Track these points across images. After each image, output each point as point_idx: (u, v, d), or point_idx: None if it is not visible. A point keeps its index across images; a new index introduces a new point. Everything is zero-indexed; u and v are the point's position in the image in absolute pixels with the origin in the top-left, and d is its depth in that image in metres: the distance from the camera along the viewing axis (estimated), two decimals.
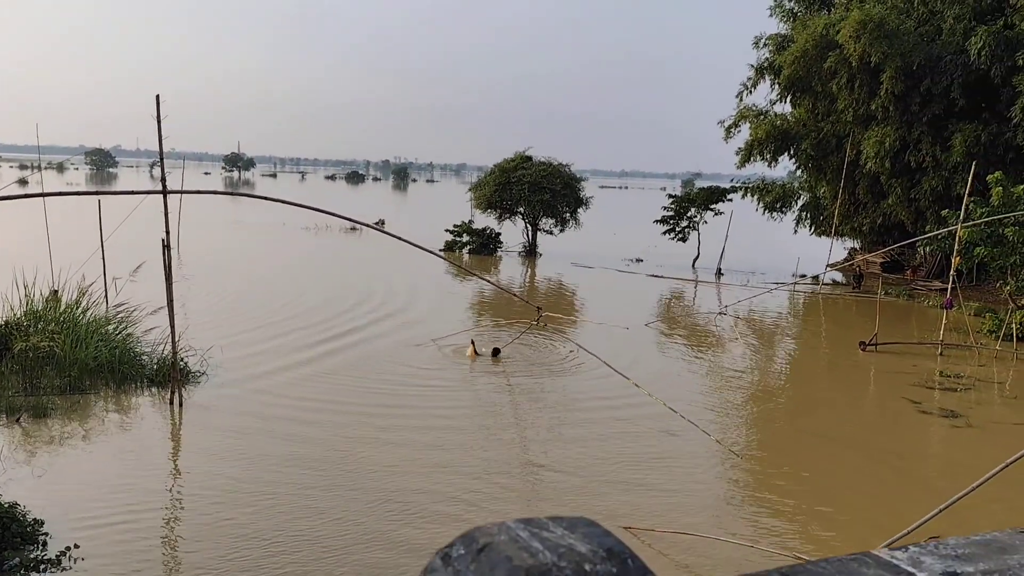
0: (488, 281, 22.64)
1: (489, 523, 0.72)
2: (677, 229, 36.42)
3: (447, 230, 37.58)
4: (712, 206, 35.87)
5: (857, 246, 37.25)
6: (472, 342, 16.59)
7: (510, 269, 33.31)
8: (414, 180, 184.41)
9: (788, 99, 34.53)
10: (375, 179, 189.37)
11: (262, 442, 11.11)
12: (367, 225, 16.63)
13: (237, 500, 9.17)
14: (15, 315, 14.69)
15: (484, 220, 38.60)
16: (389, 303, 22.33)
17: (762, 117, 35.54)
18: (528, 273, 32.76)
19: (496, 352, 16.37)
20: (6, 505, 7.83)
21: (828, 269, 32.43)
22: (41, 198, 15.13)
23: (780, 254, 36.77)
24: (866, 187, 32.10)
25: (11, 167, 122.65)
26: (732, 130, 36.24)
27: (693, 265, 34.78)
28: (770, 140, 34.51)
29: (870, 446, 12.35)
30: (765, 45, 35.25)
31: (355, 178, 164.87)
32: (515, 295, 17.43)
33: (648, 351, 18.42)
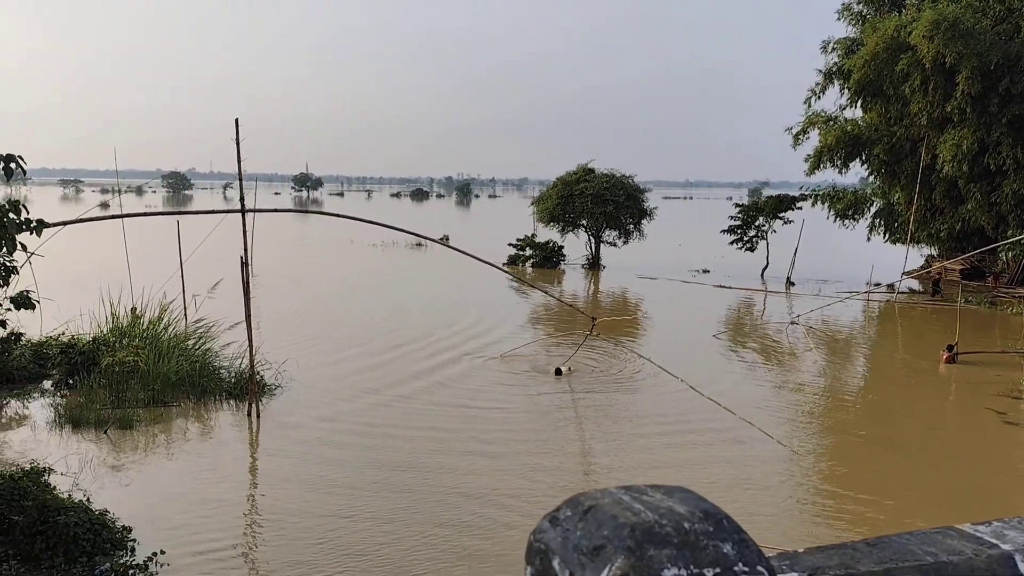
0: (545, 292, 22.65)
1: (592, 489, 0.77)
2: (745, 239, 35.84)
3: (510, 244, 37.78)
4: (781, 215, 35.21)
5: (934, 253, 36.04)
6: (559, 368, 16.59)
7: (573, 282, 33.27)
8: (476, 196, 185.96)
9: (858, 103, 33.69)
10: (439, 196, 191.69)
11: (337, 454, 11.35)
12: (432, 240, 16.92)
13: (314, 511, 9.38)
14: (102, 332, 15.38)
15: (547, 233, 38.68)
16: (454, 317, 22.56)
17: (831, 123, 34.76)
18: (591, 286, 32.66)
19: (559, 372, 16.36)
20: (97, 512, 8.19)
21: (904, 277, 31.45)
22: (121, 219, 15.83)
23: (853, 263, 35.84)
24: (943, 192, 31.06)
25: (93, 191, 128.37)
26: (800, 137, 35.54)
27: (762, 275, 34.16)
28: (840, 146, 33.71)
29: (953, 459, 11.92)
30: (833, 49, 34.53)
31: (419, 195, 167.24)
32: (571, 305, 17.39)
33: (716, 363, 18.16)
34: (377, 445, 11.72)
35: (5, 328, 14.69)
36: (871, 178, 36.87)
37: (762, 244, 35.43)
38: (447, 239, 42.85)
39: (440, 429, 12.52)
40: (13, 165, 7.46)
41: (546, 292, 22.83)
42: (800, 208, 35.66)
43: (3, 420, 12.89)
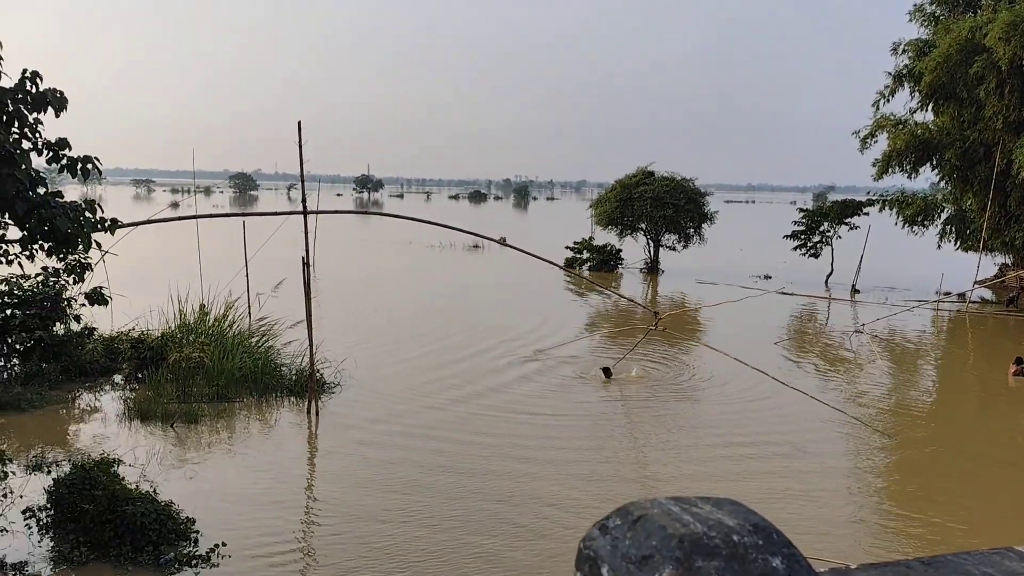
0: (606, 290, 22.55)
1: (642, 499, 0.78)
2: (809, 244, 35.12)
3: (567, 247, 37.72)
4: (847, 220, 34.39)
5: (1009, 261, 34.72)
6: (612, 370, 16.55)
7: (631, 286, 33.04)
8: (534, 198, 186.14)
9: (930, 107, 32.70)
10: (496, 198, 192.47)
11: (394, 455, 11.50)
12: (491, 239, 17.04)
13: (371, 508, 9.52)
14: (170, 328, 15.88)
15: (605, 237, 38.51)
16: (511, 318, 22.62)
17: (901, 126, 33.78)
18: (650, 290, 32.39)
19: (607, 372, 16.26)
20: (163, 503, 8.45)
21: (976, 286, 30.37)
22: (193, 219, 16.32)
23: (922, 270, 34.79)
24: (1018, 198, 29.91)
25: (164, 191, 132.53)
26: (868, 141, 34.63)
27: (826, 282, 33.40)
28: (910, 150, 32.73)
29: (1022, 477, 11.48)
30: (904, 51, 33.58)
31: (477, 197, 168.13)
32: (634, 301, 17.23)
33: (777, 371, 17.81)
34: (432, 448, 11.82)
35: (79, 323, 15.33)
36: (942, 183, 35.69)
37: (827, 250, 34.66)
38: (504, 241, 43.05)
39: (494, 434, 12.56)
40: (90, 166, 7.75)
41: (606, 289, 22.70)
42: (867, 214, 34.77)
43: (76, 412, 13.41)
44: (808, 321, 26.03)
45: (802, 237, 35.29)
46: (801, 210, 36.74)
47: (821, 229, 34.90)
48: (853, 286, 31.86)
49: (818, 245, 34.90)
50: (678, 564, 0.68)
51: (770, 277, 34.98)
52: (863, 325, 23.28)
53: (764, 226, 65.27)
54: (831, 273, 33.70)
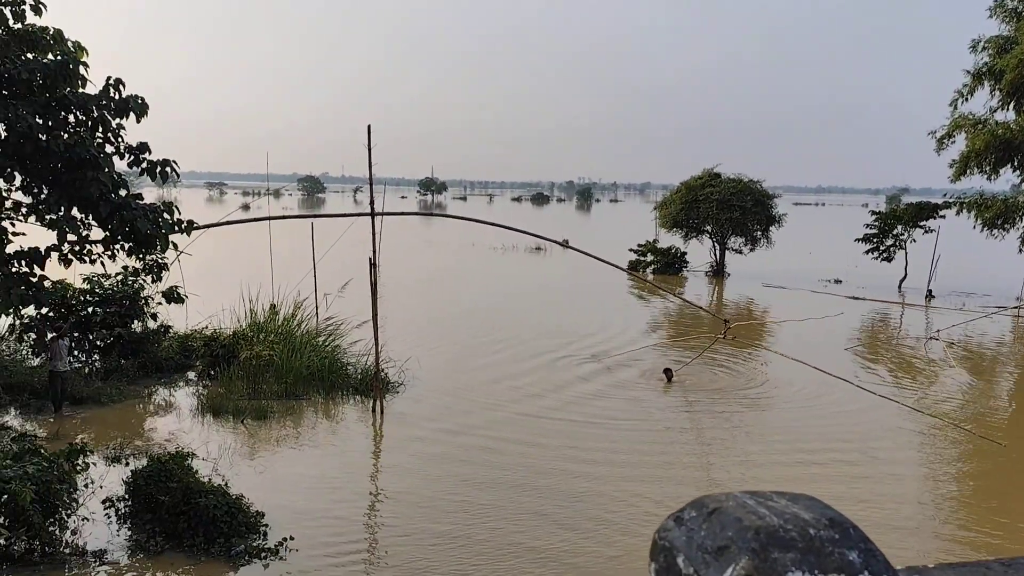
0: (672, 293, 22.28)
1: (716, 492, 0.78)
2: (881, 248, 34.10)
3: (631, 249, 37.44)
4: (922, 223, 33.28)
5: None
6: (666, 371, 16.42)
7: (696, 289, 32.59)
8: (597, 200, 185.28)
9: (1011, 105, 31.39)
10: (559, 200, 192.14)
11: (457, 452, 11.60)
12: (553, 241, 17.05)
13: (435, 506, 9.63)
14: (241, 327, 16.33)
15: (669, 239, 38.10)
16: (573, 320, 22.57)
17: (980, 126, 32.49)
18: (715, 293, 31.89)
19: (669, 373, 16.11)
20: (234, 497, 8.70)
21: None
22: (265, 220, 16.75)
23: (1002, 275, 33.43)
24: None
25: (236, 193, 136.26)
26: (945, 141, 33.40)
27: (899, 286, 32.40)
28: (990, 151, 31.46)
29: None
30: (984, 48, 32.31)
31: (540, 199, 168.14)
32: (701, 308, 16.96)
33: (849, 377, 17.34)
34: (494, 449, 11.89)
35: (156, 320, 15.91)
36: None
37: (900, 254, 33.60)
38: (567, 243, 42.96)
39: (556, 436, 12.56)
40: (168, 169, 8.05)
41: (672, 293, 22.43)
42: (943, 216, 33.58)
43: (152, 406, 13.90)
44: (881, 327, 25.29)
45: (874, 240, 34.29)
46: (873, 213, 35.70)
47: (895, 232, 33.85)
48: (928, 291, 30.83)
49: (891, 249, 33.86)
50: (754, 555, 0.68)
51: (840, 281, 34.10)
52: (939, 331, 22.51)
53: (834, 229, 63.70)
54: (905, 278, 32.67)
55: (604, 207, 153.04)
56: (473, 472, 10.79)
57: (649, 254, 37.15)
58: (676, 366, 16.79)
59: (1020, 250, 34.69)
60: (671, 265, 36.33)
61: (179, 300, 15.05)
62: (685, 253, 36.94)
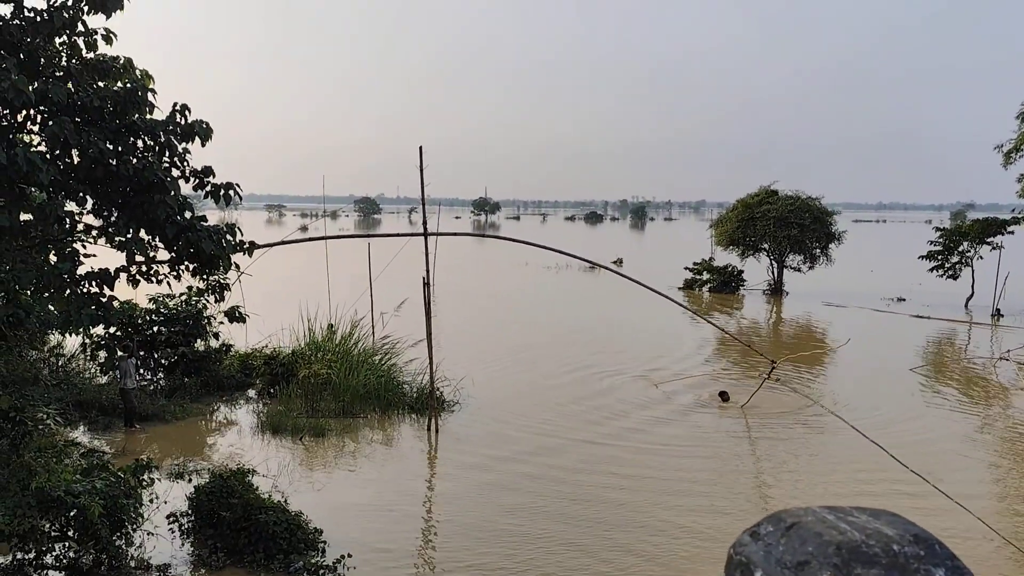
0: (719, 327, 21.88)
1: (794, 507, 0.76)
2: (947, 265, 33.10)
3: (686, 268, 37.05)
4: (989, 239, 32.21)
5: None
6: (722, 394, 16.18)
7: (753, 309, 32.04)
8: (652, 219, 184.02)
9: None
10: (613, 219, 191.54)
11: (511, 474, 11.56)
12: (600, 265, 17.00)
13: (491, 529, 9.59)
14: (300, 346, 16.61)
15: (725, 257, 37.59)
16: (627, 343, 22.39)
17: None
18: (773, 312, 31.31)
19: (724, 396, 15.89)
20: (293, 513, 8.80)
21: None
22: (322, 240, 17.04)
23: None
24: None
25: (294, 215, 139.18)
26: (1013, 155, 32.36)
27: (966, 305, 31.36)
28: None
29: None
30: None
31: (593, 218, 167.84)
32: (748, 345, 16.59)
33: (911, 401, 16.83)
34: (548, 471, 11.82)
35: (218, 339, 16.29)
36: None
37: (966, 271, 32.56)
38: (620, 263, 42.68)
39: (610, 460, 12.42)
40: (232, 192, 8.25)
41: (720, 328, 22.00)
42: (1012, 232, 32.43)
43: (214, 424, 14.20)
44: (947, 346, 24.49)
45: (939, 258, 33.30)
46: (937, 229, 34.71)
47: (960, 249, 32.83)
48: (996, 309, 29.79)
49: (957, 266, 32.84)
50: (836, 571, 0.66)
51: (904, 300, 33.19)
52: (1009, 351, 21.69)
53: (897, 246, 62.06)
54: (971, 296, 31.64)
55: (658, 225, 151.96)
56: (526, 494, 10.73)
57: (705, 272, 36.71)
58: (732, 385, 16.49)
59: None
60: (728, 284, 35.83)
61: (240, 319, 15.33)
62: (742, 271, 36.40)
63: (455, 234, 18.70)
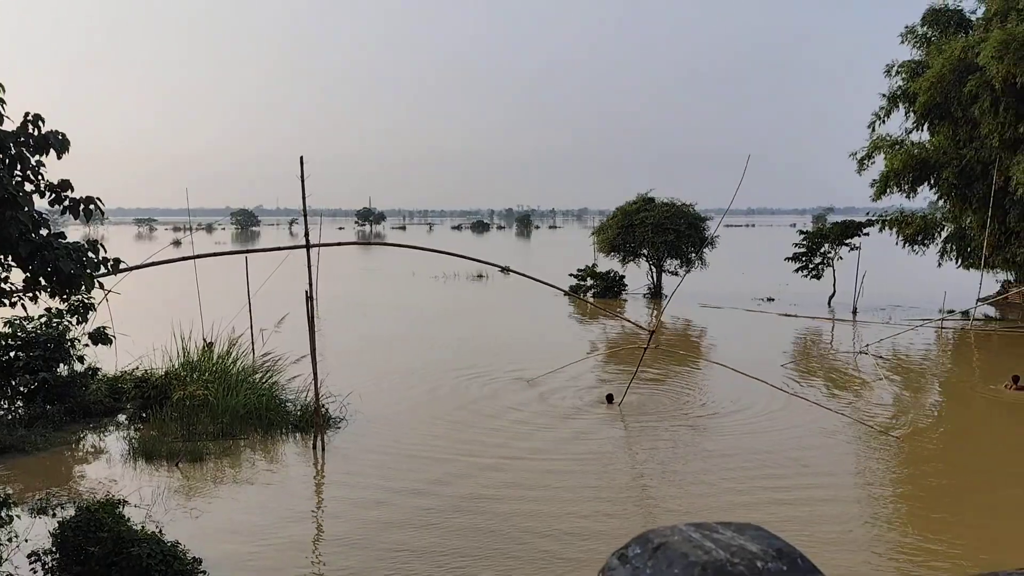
0: (606, 311, 22.51)
1: (660, 526, 0.76)
2: (810, 266, 35.13)
3: (571, 275, 37.76)
4: (847, 241, 34.44)
5: (1011, 278, 34.68)
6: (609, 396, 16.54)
7: (635, 312, 32.98)
8: (537, 227, 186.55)
9: (925, 127, 32.89)
10: (499, 227, 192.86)
11: (401, 489, 11.40)
12: (495, 265, 17.13)
13: (380, 546, 9.42)
14: (173, 366, 15.84)
15: (607, 263, 38.56)
16: (516, 349, 22.56)
17: (897, 147, 33.94)
18: (654, 315, 32.33)
19: (610, 399, 16.27)
20: (169, 544, 8.36)
21: (979, 303, 30.32)
22: (193, 260, 16.34)
23: (924, 289, 34.74)
24: (1018, 215, 29.93)
25: (166, 229, 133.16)
26: (866, 162, 34.77)
27: (829, 303, 33.36)
28: (907, 170, 32.86)
29: None
30: (898, 72, 33.84)
31: (480, 227, 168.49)
32: (628, 320, 17.13)
33: (780, 395, 17.70)
34: (438, 482, 11.73)
35: (83, 363, 15.32)
36: (941, 202, 35.77)
37: (828, 271, 34.66)
38: (508, 269, 43.03)
39: (497, 468, 12.46)
40: (92, 207, 7.78)
41: (606, 310, 22.63)
42: (867, 234, 34.82)
43: (80, 453, 13.34)
44: (813, 343, 25.95)
45: (803, 259, 35.32)
46: (801, 232, 36.80)
47: (822, 251, 34.94)
48: (854, 307, 31.84)
49: (819, 266, 34.92)
50: None
51: (773, 299, 34.94)
52: (868, 345, 23.20)
53: (765, 249, 65.34)
54: (833, 294, 33.67)
55: (544, 233, 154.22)
56: (416, 509, 10.60)
57: (589, 278, 37.52)
58: (617, 390, 16.88)
59: (939, 264, 36.19)
60: (610, 289, 36.75)
61: (107, 341, 14.51)
62: (624, 277, 37.43)
63: (339, 244, 18.32)
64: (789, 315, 30.46)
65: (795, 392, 16.13)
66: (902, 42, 34.92)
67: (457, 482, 11.59)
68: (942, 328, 28.16)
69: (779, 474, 11.99)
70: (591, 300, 33.01)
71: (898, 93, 33.43)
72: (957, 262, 35.26)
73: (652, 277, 37.48)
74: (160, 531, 8.55)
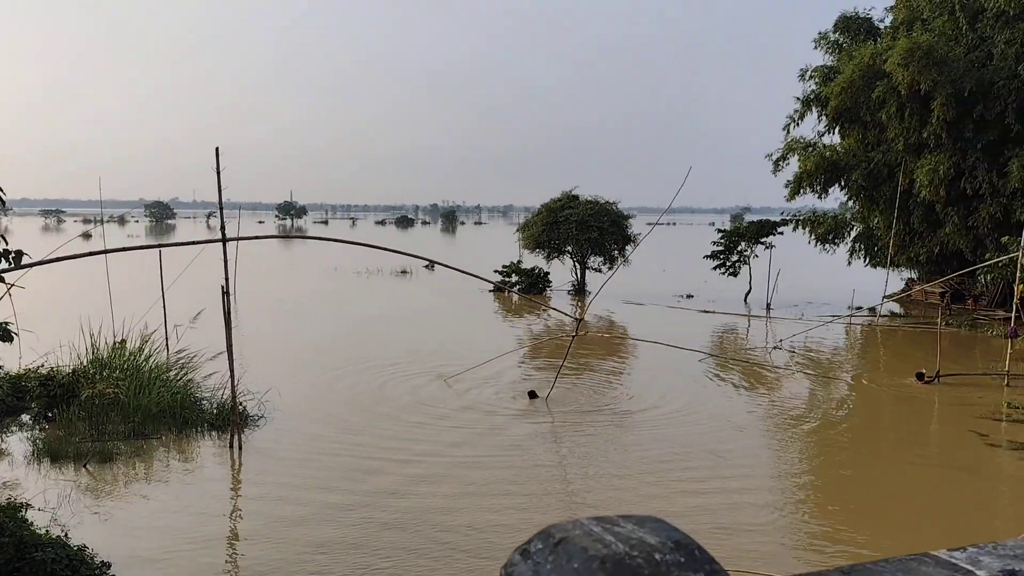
0: (533, 300, 22.70)
1: (563, 520, 0.77)
2: (727, 264, 36.11)
3: (496, 271, 37.84)
4: (762, 239, 35.55)
5: (914, 276, 36.41)
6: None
7: (560, 307, 33.27)
8: (462, 223, 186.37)
9: (836, 130, 34.20)
10: (424, 223, 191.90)
11: (320, 486, 11.24)
12: (419, 257, 17.08)
13: (297, 544, 9.26)
14: (82, 364, 15.21)
15: (533, 260, 38.80)
16: (438, 343, 22.49)
17: (810, 149, 35.21)
18: (578, 311, 32.69)
19: (533, 395, 16.38)
20: (75, 548, 8.04)
21: (885, 300, 31.71)
22: (103, 254, 15.71)
23: (834, 286, 36.13)
24: (921, 216, 31.46)
25: (75, 221, 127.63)
26: (780, 163, 35.95)
27: (745, 300, 34.36)
28: (819, 172, 34.13)
29: (935, 482, 11.97)
30: (811, 77, 35.07)
31: (404, 222, 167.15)
32: (556, 309, 17.38)
33: (701, 387, 18.16)
34: (356, 479, 11.61)
35: None
36: (850, 203, 37.31)
37: (745, 269, 35.69)
38: (432, 266, 42.86)
39: (418, 463, 12.41)
40: None
41: (533, 300, 22.77)
42: (781, 233, 36.01)
43: None
44: (729, 338, 26.68)
45: (721, 257, 36.28)
46: (719, 231, 37.80)
47: (739, 249, 35.95)
48: (768, 304, 32.87)
49: (736, 264, 35.93)
50: None
51: (692, 296, 35.77)
52: (780, 341, 23.99)
53: (685, 247, 66.87)
54: (749, 291, 34.69)
55: (469, 229, 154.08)
56: (335, 506, 10.47)
57: (514, 275, 37.66)
58: (539, 386, 17.01)
59: (849, 263, 37.74)
60: (535, 285, 36.97)
61: (8, 338, 13.78)
62: (548, 273, 37.72)
63: (256, 237, 17.85)
64: (707, 311, 31.25)
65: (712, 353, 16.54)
66: (815, 47, 36.22)
67: (370, 479, 11.49)
68: (851, 324, 29.35)
69: (695, 466, 12.30)
70: (517, 292, 33.16)
71: (811, 97, 34.65)
72: (865, 260, 36.85)
73: (576, 274, 37.89)
74: (66, 535, 8.23)
